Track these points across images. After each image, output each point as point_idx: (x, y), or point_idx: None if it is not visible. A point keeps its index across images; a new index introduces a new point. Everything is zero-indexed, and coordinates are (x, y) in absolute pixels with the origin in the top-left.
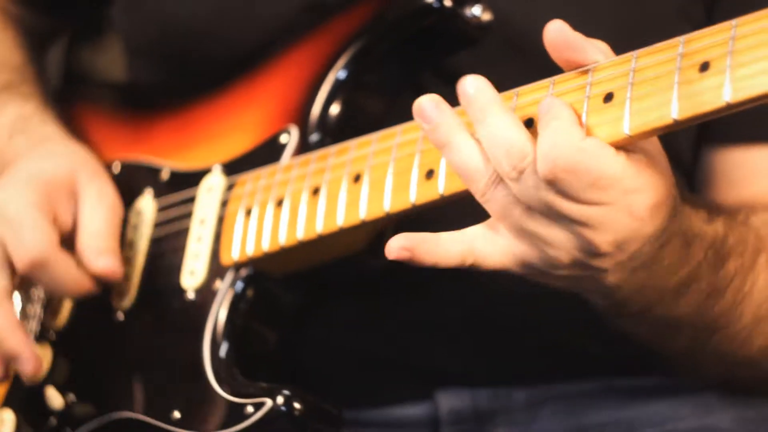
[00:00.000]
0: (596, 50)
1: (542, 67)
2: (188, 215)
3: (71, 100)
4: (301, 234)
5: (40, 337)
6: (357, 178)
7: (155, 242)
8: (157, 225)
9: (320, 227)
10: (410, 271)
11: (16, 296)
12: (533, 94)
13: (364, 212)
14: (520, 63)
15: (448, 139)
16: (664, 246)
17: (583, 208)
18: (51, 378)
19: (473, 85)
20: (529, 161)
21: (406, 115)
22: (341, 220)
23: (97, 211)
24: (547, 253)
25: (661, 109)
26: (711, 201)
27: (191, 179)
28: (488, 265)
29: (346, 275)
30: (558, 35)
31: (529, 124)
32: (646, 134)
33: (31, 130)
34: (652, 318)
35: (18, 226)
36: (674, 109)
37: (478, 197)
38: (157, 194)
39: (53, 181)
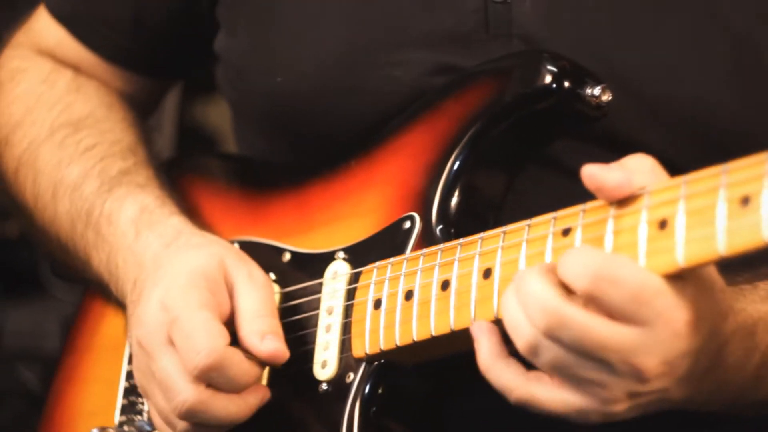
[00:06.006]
0: (624, 173)
1: (665, 121)
2: (315, 304)
3: (180, 172)
4: (434, 330)
5: None
6: (487, 274)
7: (284, 329)
8: (283, 311)
9: (453, 323)
10: None
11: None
12: (666, 194)
13: (497, 309)
14: (644, 119)
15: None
16: (722, 349)
17: (625, 331)
18: None
19: None
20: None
21: (526, 195)
22: (474, 315)
23: (252, 293)
24: (601, 395)
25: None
26: None
27: (314, 263)
28: (544, 410)
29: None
30: (591, 182)
31: (662, 225)
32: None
33: (158, 224)
34: (743, 405)
35: (189, 332)
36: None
37: (525, 354)
38: (280, 278)
39: (210, 275)
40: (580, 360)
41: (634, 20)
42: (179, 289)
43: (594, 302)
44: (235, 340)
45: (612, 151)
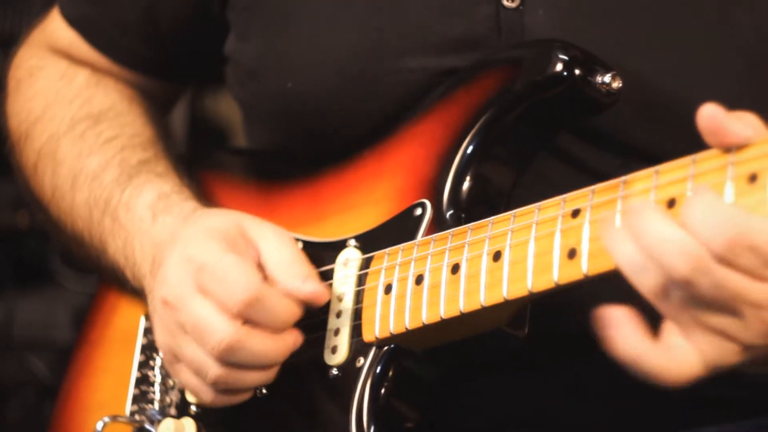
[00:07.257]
0: (746, 127)
1: (675, 126)
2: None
3: (195, 168)
4: (443, 312)
5: (181, 411)
6: (497, 257)
7: None
8: None
9: (463, 306)
10: (552, 341)
11: (156, 370)
12: (675, 173)
13: (506, 292)
14: (653, 123)
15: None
16: None
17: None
18: None
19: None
20: (704, 256)
21: (536, 183)
22: (483, 299)
23: (281, 245)
24: (723, 347)
25: None
26: None
27: (326, 252)
28: (668, 381)
29: (487, 348)
30: (711, 122)
31: (671, 204)
32: None
33: (174, 206)
34: None
35: (223, 273)
36: None
37: (652, 298)
38: None
39: (228, 234)
40: (713, 308)
41: (646, 28)
42: (199, 241)
43: (725, 261)
44: None
45: (622, 152)
